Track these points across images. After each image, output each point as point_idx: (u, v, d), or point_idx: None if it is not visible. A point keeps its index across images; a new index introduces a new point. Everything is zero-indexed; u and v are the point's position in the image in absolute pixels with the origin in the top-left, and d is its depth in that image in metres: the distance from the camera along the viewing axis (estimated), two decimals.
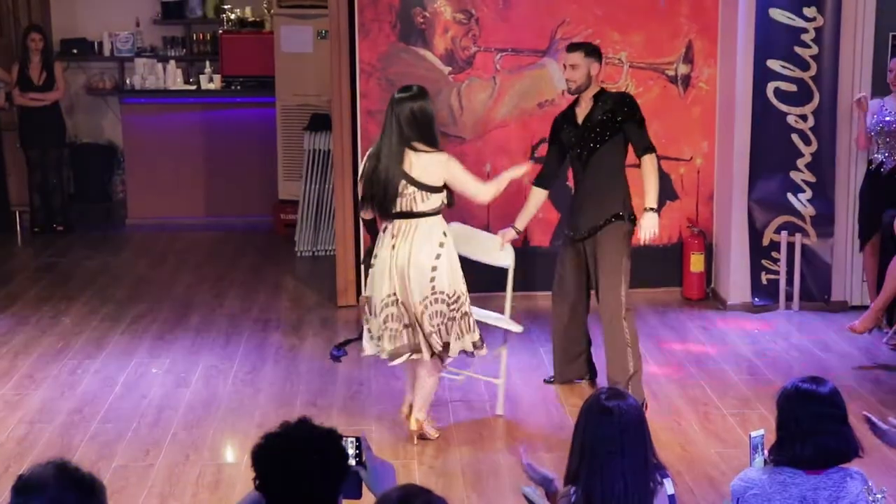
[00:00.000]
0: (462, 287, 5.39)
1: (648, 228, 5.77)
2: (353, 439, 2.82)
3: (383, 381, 6.41)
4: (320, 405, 5.98)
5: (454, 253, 5.40)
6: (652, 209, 5.77)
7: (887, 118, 7.05)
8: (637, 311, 7.54)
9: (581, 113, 5.92)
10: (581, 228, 5.92)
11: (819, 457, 3.07)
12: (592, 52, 5.92)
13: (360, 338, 7.02)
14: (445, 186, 5.35)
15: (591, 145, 5.85)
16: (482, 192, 5.52)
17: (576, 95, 5.94)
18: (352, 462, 2.79)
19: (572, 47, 5.94)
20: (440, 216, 5.39)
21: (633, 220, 5.89)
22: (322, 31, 9.07)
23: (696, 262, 7.82)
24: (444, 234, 5.37)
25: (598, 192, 5.87)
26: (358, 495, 2.79)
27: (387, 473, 2.82)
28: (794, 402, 3.15)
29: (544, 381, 6.30)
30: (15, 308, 7.83)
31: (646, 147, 5.82)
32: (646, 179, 5.79)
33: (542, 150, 7.77)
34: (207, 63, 10.71)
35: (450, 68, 7.70)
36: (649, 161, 5.80)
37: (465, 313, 5.38)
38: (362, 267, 6.38)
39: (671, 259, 7.90)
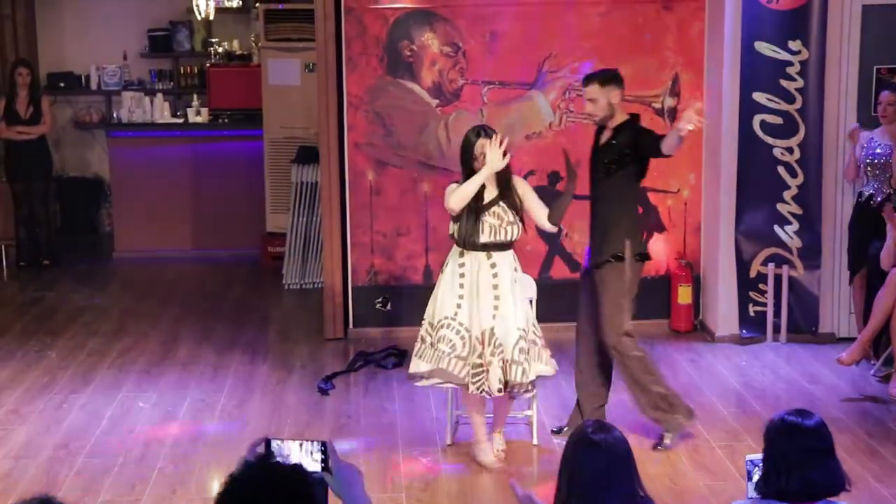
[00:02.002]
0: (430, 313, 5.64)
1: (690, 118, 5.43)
2: (319, 444, 2.79)
3: (371, 414, 6.38)
4: (308, 438, 5.92)
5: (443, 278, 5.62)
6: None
7: (877, 150, 7.09)
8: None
9: (602, 140, 5.83)
10: (590, 259, 5.88)
11: (806, 490, 3.05)
12: (609, 80, 5.73)
13: (348, 371, 7.05)
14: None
15: (602, 175, 5.77)
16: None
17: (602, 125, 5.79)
18: (317, 468, 2.76)
19: (587, 80, 5.77)
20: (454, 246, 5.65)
21: (640, 258, 5.78)
22: (309, 63, 9.09)
23: (683, 294, 7.82)
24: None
25: (605, 224, 5.79)
26: (324, 502, 2.76)
27: (353, 478, 2.77)
28: (780, 435, 3.14)
29: (552, 431, 6.03)
30: (0, 343, 7.78)
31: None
32: None
33: (530, 182, 7.77)
34: (195, 96, 10.72)
35: (437, 101, 7.73)
36: None
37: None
38: None
39: (659, 291, 7.90)
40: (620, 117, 5.74)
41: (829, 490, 3.07)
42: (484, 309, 5.48)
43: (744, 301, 7.61)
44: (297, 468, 2.62)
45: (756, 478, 3.27)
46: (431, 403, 6.35)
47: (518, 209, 5.60)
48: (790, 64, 7.35)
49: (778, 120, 7.41)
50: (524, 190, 5.67)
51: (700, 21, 7.71)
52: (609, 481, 2.94)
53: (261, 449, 2.82)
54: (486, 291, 5.49)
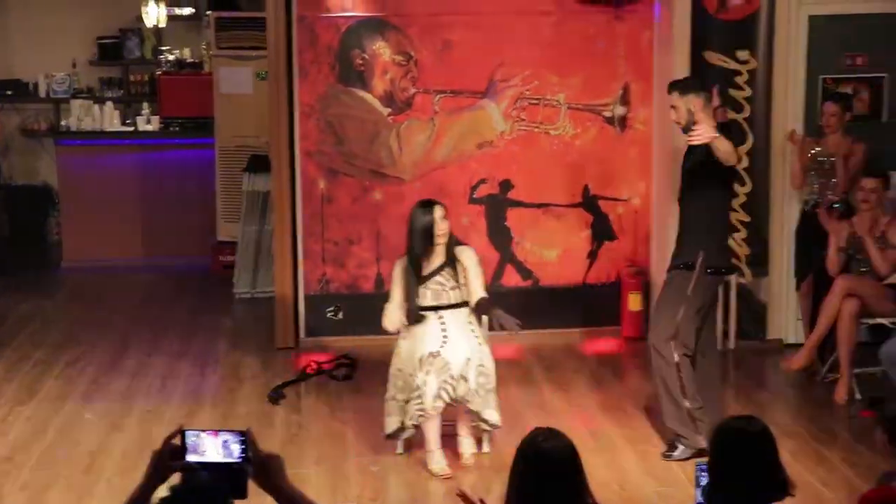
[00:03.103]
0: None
1: (706, 131, 5.48)
2: (238, 435, 2.77)
3: (322, 423, 6.36)
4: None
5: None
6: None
7: (820, 159, 7.18)
8: (575, 351, 7.60)
9: (688, 147, 5.79)
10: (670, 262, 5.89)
11: (751, 495, 3.08)
12: (689, 87, 5.73)
13: (299, 380, 7.02)
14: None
15: (685, 181, 5.80)
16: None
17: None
18: (237, 459, 2.75)
19: (670, 87, 5.79)
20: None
21: (713, 271, 5.70)
22: (261, 72, 9.06)
23: (634, 302, 7.87)
24: None
25: (683, 231, 5.82)
26: (244, 494, 2.74)
27: (274, 468, 2.76)
28: (726, 440, 3.16)
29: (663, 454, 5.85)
30: None
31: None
32: None
33: (481, 190, 7.83)
34: (145, 104, 10.64)
35: (389, 110, 7.72)
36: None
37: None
38: None
39: (610, 298, 7.94)
40: (708, 123, 5.63)
41: (773, 495, 3.10)
42: (430, 343, 5.64)
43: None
44: (218, 488, 2.62)
45: (704, 483, 3.29)
46: (383, 413, 6.32)
47: (459, 278, 5.79)
48: (738, 73, 7.42)
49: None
50: (469, 264, 5.81)
51: (650, 31, 7.77)
52: (557, 488, 2.95)
53: (176, 441, 2.78)
54: (433, 337, 5.66)
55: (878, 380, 6.58)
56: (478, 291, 5.79)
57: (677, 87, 5.77)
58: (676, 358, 5.66)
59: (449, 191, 7.73)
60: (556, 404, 6.65)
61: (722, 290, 7.56)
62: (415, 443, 5.95)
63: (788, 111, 7.54)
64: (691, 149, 5.72)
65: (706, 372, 5.84)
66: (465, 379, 5.56)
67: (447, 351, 5.59)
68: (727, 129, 5.96)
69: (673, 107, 5.73)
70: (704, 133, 5.47)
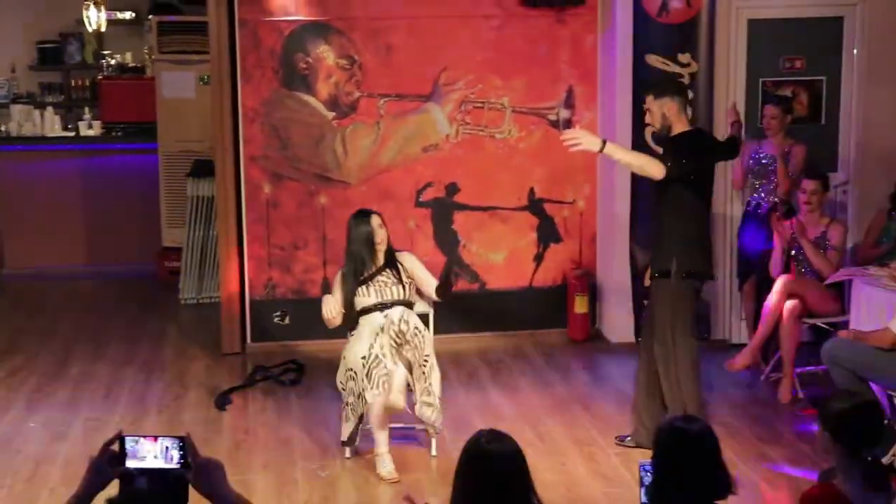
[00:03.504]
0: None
1: (578, 136, 5.59)
2: (177, 440, 2.75)
3: (269, 428, 6.33)
4: (205, 455, 5.85)
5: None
6: (604, 144, 5.53)
7: (763, 160, 7.27)
8: (522, 354, 7.63)
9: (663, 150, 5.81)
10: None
11: (693, 494, 3.11)
12: (663, 91, 5.72)
13: (245, 386, 6.98)
14: None
15: (660, 185, 5.67)
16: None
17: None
18: (176, 465, 2.73)
19: (645, 90, 5.78)
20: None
21: (688, 275, 5.64)
22: (204, 76, 9.00)
23: (580, 304, 7.91)
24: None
25: (658, 236, 5.76)
26: (184, 501, 2.72)
27: (214, 473, 2.74)
28: (668, 440, 3.19)
29: (616, 439, 5.99)
30: None
31: (666, 164, 5.53)
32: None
33: (427, 194, 7.84)
34: (87, 109, 10.52)
35: (333, 114, 7.71)
36: (656, 164, 5.56)
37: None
38: None
39: (556, 301, 7.99)
40: (679, 128, 5.65)
41: (715, 493, 3.13)
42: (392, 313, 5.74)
43: (639, 309, 7.72)
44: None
45: (648, 483, 3.32)
46: (330, 418, 6.31)
47: (401, 276, 5.94)
48: (680, 76, 7.49)
49: None
50: (412, 265, 6.02)
51: (593, 34, 7.83)
52: (502, 490, 2.97)
53: (115, 447, 2.76)
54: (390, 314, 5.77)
55: (820, 379, 6.67)
56: (431, 280, 5.99)
57: (652, 90, 5.77)
58: (681, 376, 5.67)
59: (395, 194, 7.73)
60: (503, 407, 6.67)
61: None
62: (362, 447, 5.94)
63: (729, 114, 7.61)
64: (662, 154, 5.74)
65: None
66: (406, 323, 5.64)
67: (378, 318, 5.76)
68: (733, 141, 6.03)
69: (647, 110, 5.74)
70: (584, 140, 5.49)
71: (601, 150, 5.56)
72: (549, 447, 5.99)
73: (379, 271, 5.93)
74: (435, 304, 6.08)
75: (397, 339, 5.66)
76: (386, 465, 5.62)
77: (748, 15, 7.59)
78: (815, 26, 7.67)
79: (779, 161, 7.14)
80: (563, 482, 5.56)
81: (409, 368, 5.70)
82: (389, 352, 5.63)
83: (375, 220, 5.92)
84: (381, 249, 5.93)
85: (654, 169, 5.56)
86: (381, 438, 5.65)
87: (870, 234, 7.15)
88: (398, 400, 5.64)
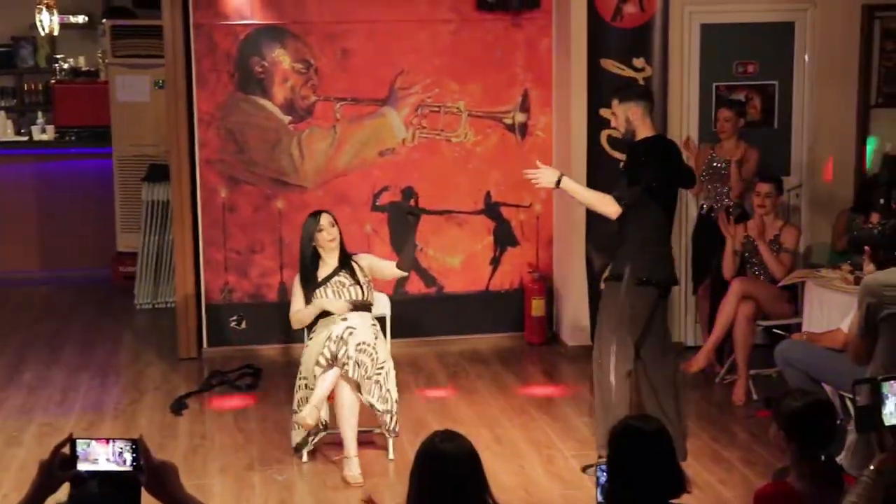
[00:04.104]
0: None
1: (538, 173, 5.56)
2: (129, 443, 2.73)
3: (226, 434, 6.30)
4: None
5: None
6: (561, 179, 5.52)
7: (715, 164, 7.34)
8: (479, 357, 7.65)
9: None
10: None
11: (648, 494, 3.14)
12: (627, 95, 5.61)
13: (202, 390, 6.95)
14: None
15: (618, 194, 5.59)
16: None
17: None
18: (128, 468, 2.71)
19: (610, 94, 5.74)
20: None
21: (639, 282, 5.45)
22: (159, 80, 8.94)
23: (537, 307, 7.94)
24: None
25: (619, 243, 5.65)
26: (137, 503, 2.71)
27: (167, 475, 2.73)
28: (622, 440, 3.22)
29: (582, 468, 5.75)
30: None
31: (642, 188, 5.43)
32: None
33: (384, 198, 7.85)
34: (40, 113, 10.43)
35: (290, 118, 7.70)
36: (610, 202, 5.50)
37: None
38: None
39: (513, 304, 8.01)
40: (643, 133, 5.55)
41: (669, 492, 3.16)
42: (337, 328, 5.72)
43: (595, 312, 7.73)
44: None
45: (603, 482, 3.34)
46: (287, 422, 6.29)
47: (358, 277, 5.95)
48: (634, 80, 7.54)
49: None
50: (369, 262, 6.08)
51: (548, 38, 7.87)
52: (457, 490, 2.98)
53: (66, 450, 2.74)
54: (338, 325, 5.76)
55: (773, 381, 6.74)
56: (391, 263, 6.11)
57: (617, 94, 5.70)
58: (612, 380, 5.48)
59: (351, 198, 7.73)
60: (460, 410, 6.68)
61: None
62: (319, 451, 5.93)
63: (683, 118, 7.70)
64: (627, 161, 5.73)
65: (657, 380, 5.63)
66: (345, 343, 5.61)
67: (335, 322, 5.77)
68: (691, 171, 5.99)
69: (612, 114, 5.67)
70: (542, 179, 5.50)
71: (557, 186, 5.54)
72: (507, 450, 6.01)
73: (335, 272, 5.94)
74: (391, 308, 6.09)
75: (329, 361, 5.63)
76: (353, 469, 5.62)
77: (701, 20, 7.67)
78: (767, 31, 7.76)
79: (732, 165, 7.21)
80: (521, 485, 5.57)
81: (357, 387, 5.67)
82: (325, 361, 5.64)
83: (325, 219, 5.96)
84: (332, 248, 5.94)
85: (608, 208, 5.50)
86: (349, 442, 5.65)
87: (836, 231, 7.31)
88: (308, 416, 5.62)
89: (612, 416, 5.17)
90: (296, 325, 5.98)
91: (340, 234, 5.99)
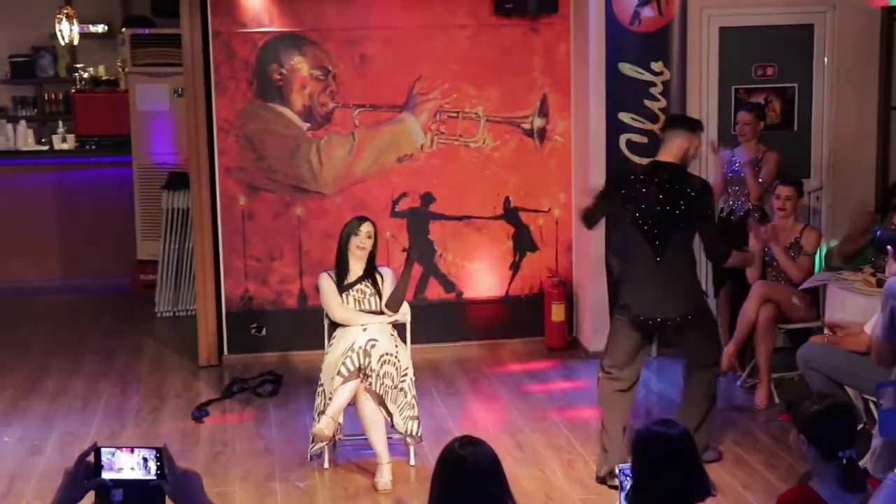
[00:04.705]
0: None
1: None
2: (154, 451, 2.74)
3: (247, 440, 6.32)
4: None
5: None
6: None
7: (735, 167, 7.31)
8: (499, 363, 7.65)
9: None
10: None
11: (672, 497, 3.13)
12: (700, 129, 5.73)
13: (223, 398, 6.97)
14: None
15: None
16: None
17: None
18: (153, 476, 2.72)
19: (689, 123, 5.79)
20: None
21: (618, 309, 5.77)
22: (178, 88, 8.98)
23: (557, 312, 7.93)
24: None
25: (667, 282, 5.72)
26: None
27: (191, 484, 2.73)
28: (646, 444, 3.21)
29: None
30: None
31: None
32: None
33: (403, 204, 7.85)
34: (60, 123, 10.48)
35: (308, 124, 7.71)
36: None
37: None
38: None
39: (533, 309, 8.00)
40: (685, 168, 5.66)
41: (694, 496, 3.15)
42: (359, 339, 5.72)
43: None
44: None
45: (627, 487, 3.33)
46: (308, 428, 6.30)
47: (380, 287, 6.01)
48: (653, 84, 7.52)
49: (643, 139, 7.56)
50: (388, 279, 6.06)
51: (566, 43, 7.86)
52: (478, 495, 2.97)
53: (90, 458, 2.74)
54: (360, 336, 5.76)
55: (796, 384, 6.70)
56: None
57: (698, 125, 5.75)
58: (602, 392, 5.80)
59: (370, 205, 7.73)
60: (481, 416, 6.68)
61: None
62: (340, 458, 5.94)
63: (703, 121, 7.65)
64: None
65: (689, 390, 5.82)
66: (368, 355, 5.62)
67: (355, 333, 5.77)
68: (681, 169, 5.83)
69: (682, 140, 5.61)
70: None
71: None
72: (527, 455, 6.00)
73: (359, 280, 5.96)
74: (412, 313, 6.09)
75: (352, 372, 5.63)
76: (383, 476, 5.62)
77: (719, 23, 7.64)
78: (786, 34, 7.73)
79: (747, 167, 7.19)
80: (542, 489, 5.56)
81: (379, 399, 5.69)
82: (347, 372, 5.63)
83: (366, 227, 5.98)
84: (360, 256, 5.96)
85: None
86: (382, 449, 5.66)
87: (856, 227, 7.25)
88: (326, 428, 5.61)
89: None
90: (340, 320, 5.90)
91: (375, 248, 6.02)
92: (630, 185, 5.64)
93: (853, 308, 6.16)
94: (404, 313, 6.07)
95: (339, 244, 6.05)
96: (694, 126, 5.70)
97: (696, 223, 5.56)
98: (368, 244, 5.96)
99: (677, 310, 5.56)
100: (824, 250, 7.54)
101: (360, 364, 5.60)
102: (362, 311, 5.92)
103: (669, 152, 5.61)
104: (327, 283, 5.97)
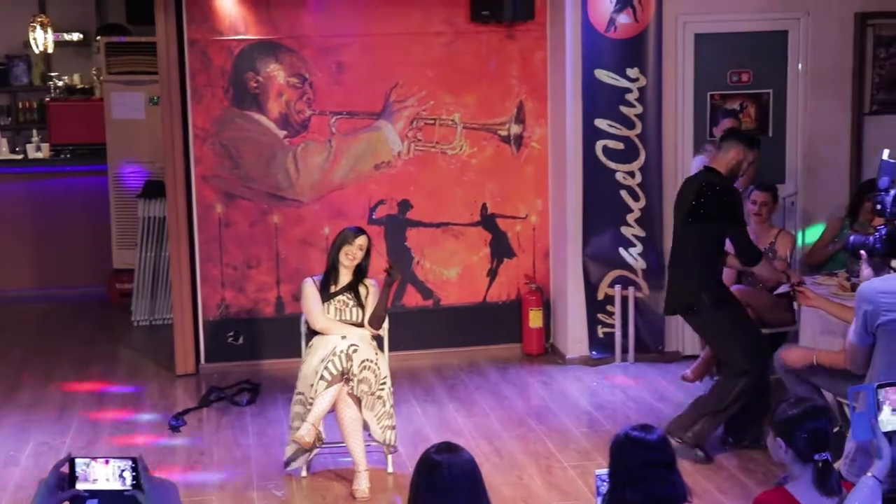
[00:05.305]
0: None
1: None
2: (129, 462, 2.73)
3: (224, 449, 6.29)
4: (159, 476, 5.80)
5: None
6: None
7: None
8: (477, 369, 7.65)
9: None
10: None
11: (649, 502, 3.14)
12: (726, 137, 6.15)
13: (200, 406, 6.94)
14: None
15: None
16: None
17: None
18: (128, 487, 2.71)
19: (749, 141, 6.14)
20: None
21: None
22: (154, 97, 8.95)
23: (534, 318, 7.94)
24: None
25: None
26: None
27: (167, 494, 2.72)
28: (624, 449, 3.22)
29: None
30: None
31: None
32: None
33: (380, 211, 7.84)
34: (35, 132, 10.44)
35: (285, 132, 7.70)
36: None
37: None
38: None
39: (510, 315, 8.01)
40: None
41: (671, 501, 3.16)
42: (340, 344, 5.72)
43: (593, 323, 7.76)
44: None
45: (604, 492, 3.34)
46: (286, 437, 6.28)
47: (362, 300, 5.98)
48: (629, 91, 7.56)
49: (619, 145, 7.61)
50: (372, 293, 6.01)
51: (542, 50, 7.88)
52: (454, 501, 2.97)
53: (65, 469, 2.73)
54: (340, 342, 5.76)
55: (773, 388, 6.72)
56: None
57: (755, 143, 6.13)
58: None
59: (348, 212, 7.73)
60: (459, 423, 6.67)
61: (620, 304, 7.72)
62: (317, 466, 5.92)
63: (678, 127, 7.71)
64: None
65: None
66: (350, 359, 5.62)
67: (335, 339, 5.77)
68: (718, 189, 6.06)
69: (736, 152, 5.97)
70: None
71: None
72: (506, 461, 6.00)
73: (342, 291, 5.95)
74: (389, 321, 6.08)
75: (335, 376, 5.63)
76: (361, 483, 5.61)
77: (695, 29, 7.68)
78: (761, 40, 7.77)
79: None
80: (520, 496, 5.56)
81: (359, 403, 5.69)
82: (330, 376, 5.62)
83: (360, 239, 5.94)
84: (348, 266, 5.94)
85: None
86: (360, 457, 5.64)
87: (823, 238, 7.27)
88: (307, 434, 5.58)
89: None
90: (319, 328, 5.89)
91: (366, 262, 5.98)
92: (682, 184, 6.25)
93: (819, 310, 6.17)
94: (384, 327, 6.08)
95: (330, 251, 6.05)
96: (750, 142, 6.07)
97: (726, 226, 5.90)
98: (359, 256, 5.94)
99: (673, 301, 6.18)
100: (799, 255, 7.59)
101: (342, 367, 5.60)
102: (343, 321, 5.91)
103: (721, 161, 5.97)
104: (310, 290, 5.95)
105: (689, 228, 5.94)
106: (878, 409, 3.45)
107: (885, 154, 7.03)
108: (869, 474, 3.45)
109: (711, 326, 6.09)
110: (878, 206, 5.42)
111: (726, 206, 5.87)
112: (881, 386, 3.47)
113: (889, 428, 3.45)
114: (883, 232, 5.12)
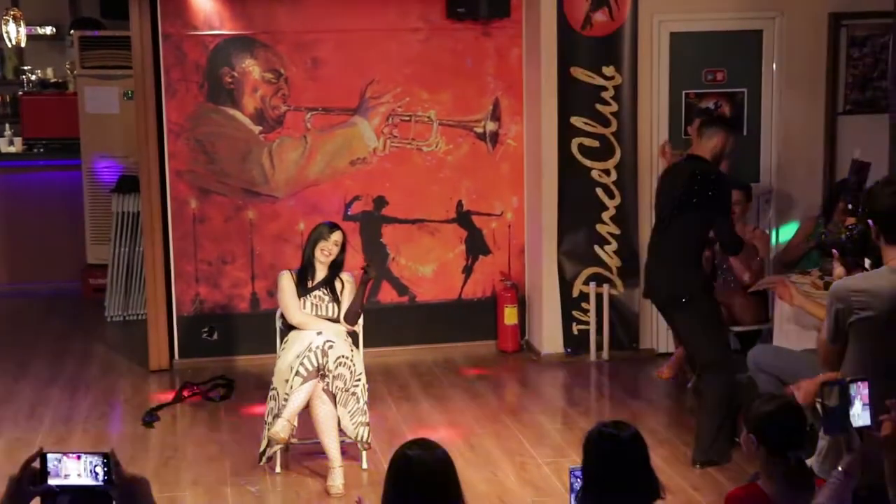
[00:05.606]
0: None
1: None
2: (101, 457, 2.72)
3: (198, 445, 6.27)
4: (131, 472, 5.78)
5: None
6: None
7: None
8: (452, 366, 7.66)
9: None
10: None
11: (623, 499, 3.15)
12: (718, 124, 6.09)
13: (174, 402, 6.92)
14: None
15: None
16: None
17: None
18: (100, 483, 2.70)
19: (725, 124, 6.20)
20: None
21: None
22: (128, 91, 8.90)
23: (509, 315, 7.95)
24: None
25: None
26: None
27: (140, 489, 2.72)
28: (597, 446, 3.23)
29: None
30: None
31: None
32: None
33: (356, 207, 7.84)
34: (7, 126, 10.36)
35: (260, 128, 7.68)
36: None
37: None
38: None
39: (485, 312, 8.02)
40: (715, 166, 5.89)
41: (644, 498, 3.17)
42: (316, 340, 5.70)
43: (567, 320, 7.78)
44: None
45: (578, 488, 3.35)
46: (260, 433, 6.26)
47: (338, 295, 5.98)
48: (604, 89, 7.58)
49: (595, 143, 7.63)
50: (348, 288, 6.01)
51: (518, 47, 7.89)
52: (430, 497, 2.98)
53: (36, 465, 2.72)
54: (316, 337, 5.74)
55: (745, 386, 6.75)
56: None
57: (729, 125, 6.19)
58: None
59: (323, 208, 7.72)
60: (434, 419, 6.68)
61: (595, 301, 7.74)
62: (292, 462, 5.92)
63: (653, 125, 7.73)
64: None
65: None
66: (325, 354, 5.62)
67: (311, 335, 5.75)
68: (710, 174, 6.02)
69: (717, 137, 5.91)
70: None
71: None
72: (480, 458, 6.01)
73: (318, 286, 5.95)
74: (364, 317, 6.08)
75: (311, 372, 5.62)
76: (335, 479, 5.60)
77: (670, 28, 7.70)
78: (736, 39, 7.81)
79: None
80: (494, 492, 5.57)
81: (334, 399, 5.69)
82: (306, 372, 5.62)
83: (335, 235, 5.95)
84: (323, 261, 5.94)
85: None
86: (334, 453, 5.64)
87: (797, 236, 7.30)
88: (282, 431, 5.58)
89: None
90: (295, 323, 5.89)
91: (341, 258, 5.98)
92: (666, 172, 6.27)
93: (801, 311, 6.21)
94: (359, 324, 6.08)
95: (305, 246, 6.05)
96: (732, 127, 6.13)
97: (711, 216, 5.83)
98: (335, 251, 5.94)
99: (661, 291, 6.03)
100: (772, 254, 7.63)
101: (318, 363, 5.59)
102: (319, 316, 5.90)
103: (706, 148, 5.88)
104: (287, 283, 5.95)
105: (678, 217, 5.83)
106: (850, 403, 3.47)
107: (857, 153, 7.10)
108: (839, 468, 3.47)
109: (699, 316, 5.91)
110: (851, 206, 5.46)
111: (720, 196, 5.82)
112: (853, 381, 3.49)
113: (860, 423, 3.47)
114: (855, 231, 5.15)
